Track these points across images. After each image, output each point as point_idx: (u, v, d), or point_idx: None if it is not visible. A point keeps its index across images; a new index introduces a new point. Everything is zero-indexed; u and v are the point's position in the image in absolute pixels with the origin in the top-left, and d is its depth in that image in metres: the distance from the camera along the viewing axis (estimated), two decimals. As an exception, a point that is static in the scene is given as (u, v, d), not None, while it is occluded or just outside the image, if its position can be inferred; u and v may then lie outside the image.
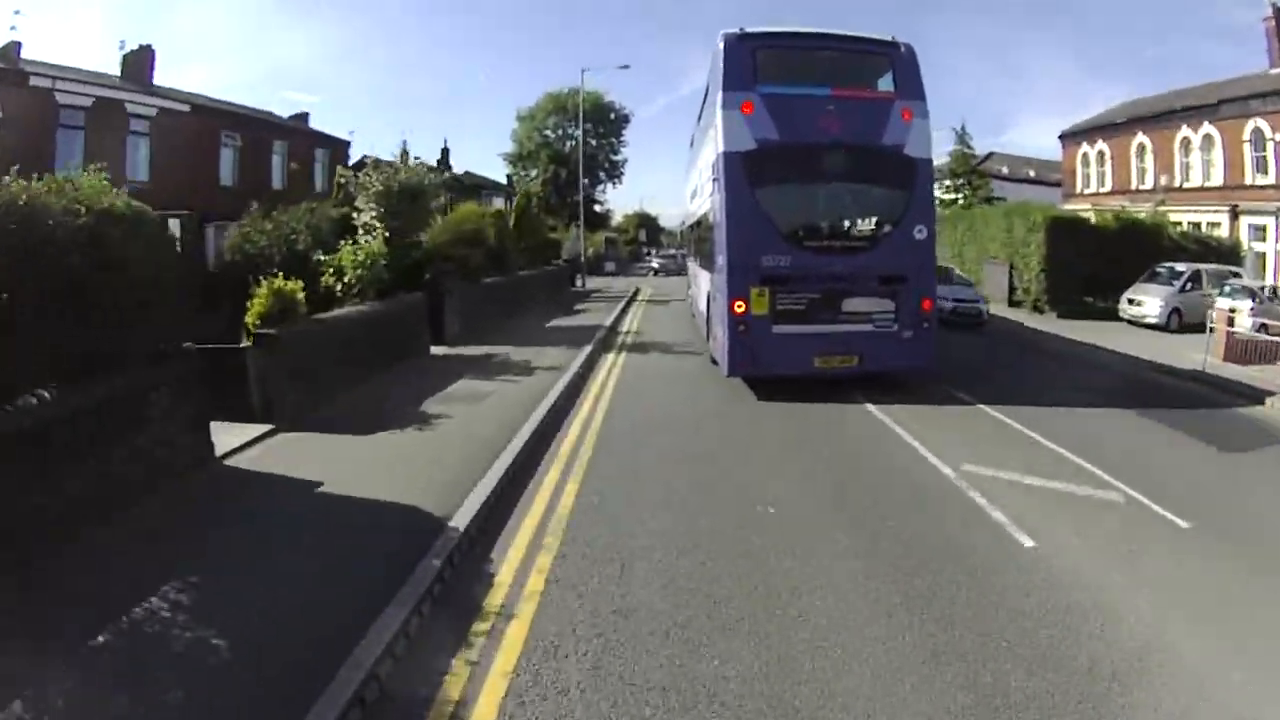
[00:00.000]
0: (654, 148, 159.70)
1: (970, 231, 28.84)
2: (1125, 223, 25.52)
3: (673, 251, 55.45)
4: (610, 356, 16.97)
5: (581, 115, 49.71)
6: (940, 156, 48.52)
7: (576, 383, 13.42)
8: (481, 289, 20.88)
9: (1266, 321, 15.88)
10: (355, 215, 17.17)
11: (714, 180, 12.65)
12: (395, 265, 16.22)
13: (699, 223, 18.40)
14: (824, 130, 11.80)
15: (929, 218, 12.58)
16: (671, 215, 73.39)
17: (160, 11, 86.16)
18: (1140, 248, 24.25)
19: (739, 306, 11.63)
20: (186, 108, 26.89)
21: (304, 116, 40.60)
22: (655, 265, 58.75)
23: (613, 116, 71.31)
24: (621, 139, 72.97)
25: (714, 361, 14.04)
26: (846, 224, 12.28)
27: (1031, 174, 54.59)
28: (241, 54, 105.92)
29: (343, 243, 14.95)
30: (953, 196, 46.21)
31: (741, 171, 11.78)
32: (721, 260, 12.25)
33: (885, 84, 12.55)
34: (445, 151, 67.78)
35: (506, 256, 24.94)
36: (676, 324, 23.36)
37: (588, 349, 16.86)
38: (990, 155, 58.69)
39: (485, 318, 20.07)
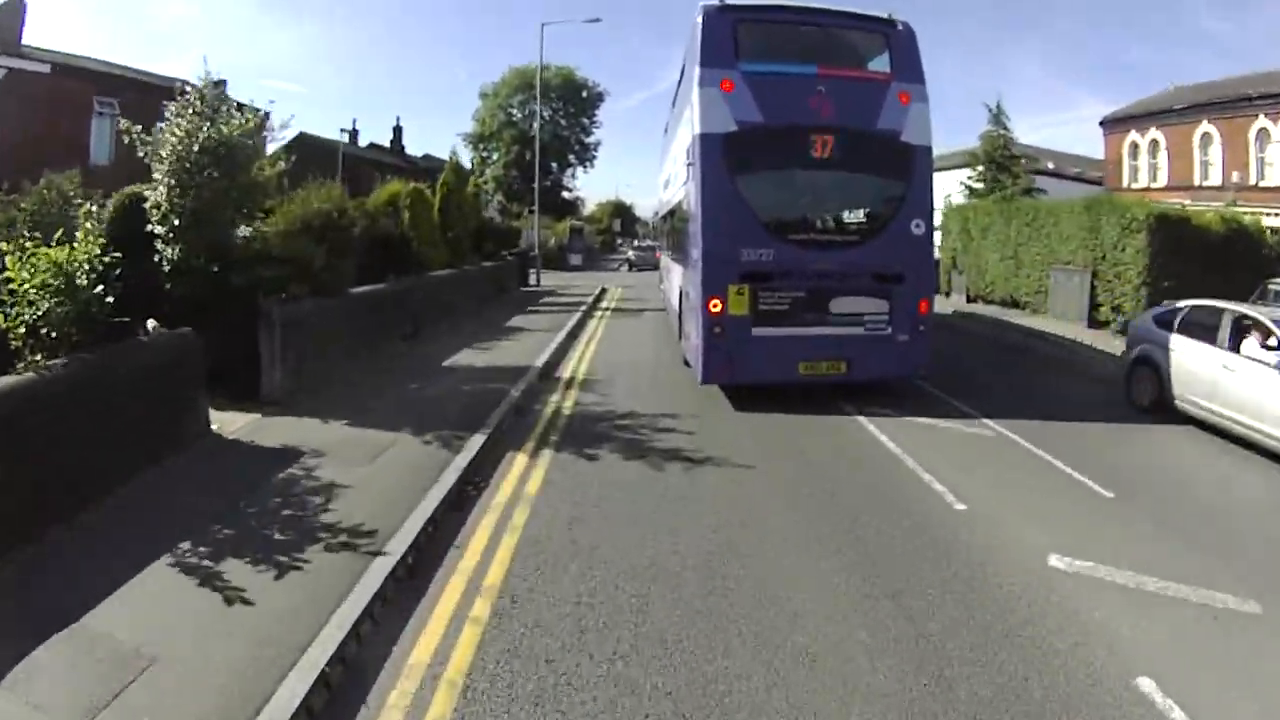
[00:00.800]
0: (631, 142, 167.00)
1: (1032, 228, 22.37)
2: (1231, 226, 19.23)
3: (650, 243, 48.82)
4: (519, 461, 8.82)
5: (540, 78, 42.36)
6: (968, 140, 45.23)
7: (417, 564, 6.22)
8: (343, 306, 13.28)
9: None
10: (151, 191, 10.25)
11: (689, 165, 11.61)
12: (188, 274, 9.97)
13: (672, 213, 17.19)
14: (812, 112, 10.72)
15: (927, 211, 11.33)
16: (649, 207, 67.32)
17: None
18: (1241, 257, 18.48)
19: (715, 305, 10.59)
20: (46, 68, 22.68)
21: (221, 84, 34.13)
22: (630, 257, 52.05)
23: (584, 94, 65.01)
24: (594, 119, 66.76)
25: (686, 364, 13.20)
26: (836, 216, 11.72)
27: (1050, 165, 48.88)
28: (230, 47, 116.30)
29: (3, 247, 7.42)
30: (981, 185, 39.66)
31: (720, 156, 10.69)
32: (696, 254, 11.12)
33: (880, 65, 11.45)
34: (398, 131, 62.06)
35: (409, 252, 18.11)
36: (654, 352, 16.73)
37: (479, 437, 9.13)
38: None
39: (346, 353, 13.18)
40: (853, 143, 10.87)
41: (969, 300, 26.42)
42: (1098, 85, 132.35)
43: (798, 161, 11.02)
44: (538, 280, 33.19)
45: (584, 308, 23.82)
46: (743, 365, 10.73)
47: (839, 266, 10.78)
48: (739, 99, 10.59)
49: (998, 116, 40.87)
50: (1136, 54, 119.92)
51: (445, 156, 66.99)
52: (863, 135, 10.93)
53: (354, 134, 57.29)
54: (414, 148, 61.29)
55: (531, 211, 59.82)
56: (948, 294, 27.58)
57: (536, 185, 38.42)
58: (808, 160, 10.90)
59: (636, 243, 60.22)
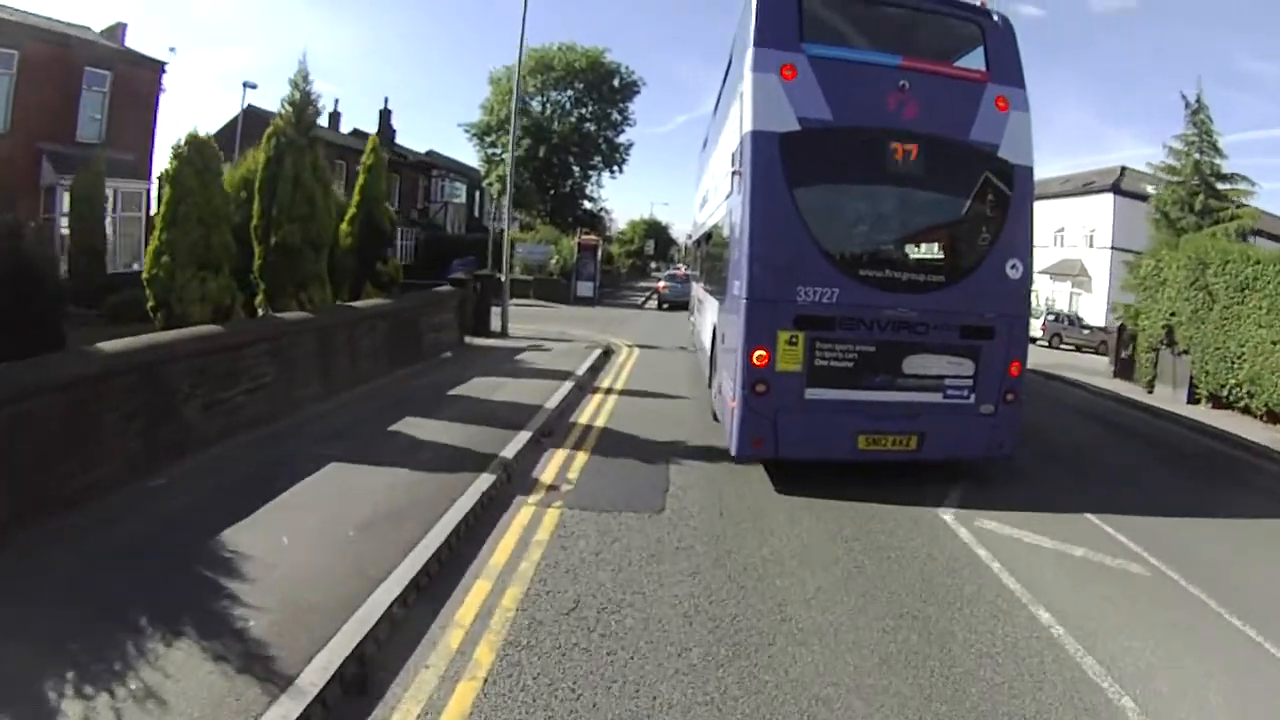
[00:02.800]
0: (669, 167, 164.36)
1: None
2: None
3: (689, 272, 35.10)
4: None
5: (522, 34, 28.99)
6: (1152, 153, 39.32)
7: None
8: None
9: None
10: None
11: (734, 174, 9.24)
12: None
13: (709, 236, 14.64)
14: (892, 114, 8.50)
15: (1026, 249, 8.97)
16: (686, 230, 56.29)
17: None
18: None
19: (759, 357, 8.26)
20: None
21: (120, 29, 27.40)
22: (660, 290, 39.75)
23: (616, 83, 52.94)
24: (627, 114, 54.67)
25: (715, 418, 10.98)
26: (918, 249, 9.26)
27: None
28: (271, 42, 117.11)
29: None
30: (1185, 214, 26.89)
31: (777, 162, 8.24)
32: (739, 287, 8.59)
33: (973, 61, 9.17)
34: (385, 115, 51.56)
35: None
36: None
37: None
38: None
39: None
40: (941, 155, 8.65)
41: (1194, 399, 17.67)
42: (1138, 127, 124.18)
43: (874, 175, 8.70)
44: (503, 325, 21.09)
45: (534, 423, 11.56)
46: (790, 436, 8.39)
47: (918, 314, 8.47)
48: (803, 90, 8.30)
49: (1199, 115, 27.02)
50: (1176, 96, 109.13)
51: (455, 156, 57.59)
52: (954, 147, 8.71)
53: (335, 117, 47.63)
54: (436, 145, 51.67)
55: (545, 221, 48.84)
56: (1150, 385, 19.61)
57: (510, 169, 24.78)
58: (886, 174, 8.65)
59: (671, 270, 47.29)
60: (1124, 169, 49.47)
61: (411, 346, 14.72)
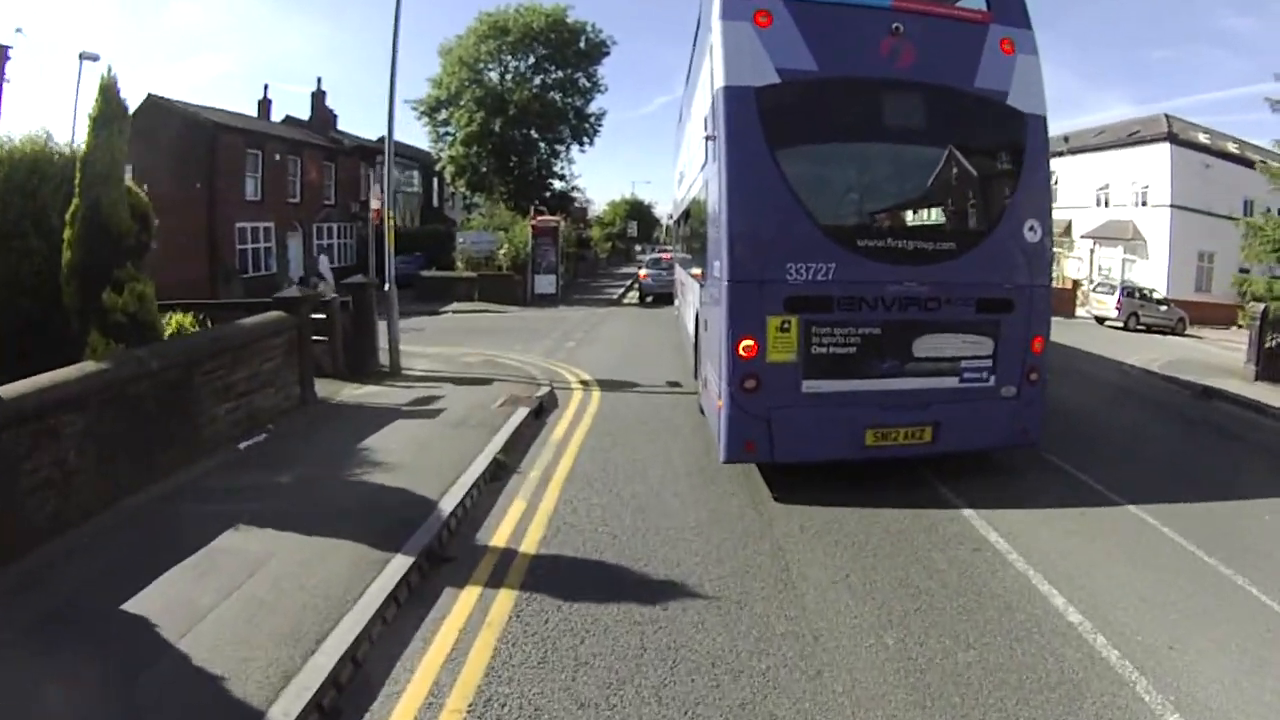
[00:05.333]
0: (650, 151, 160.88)
1: None
2: None
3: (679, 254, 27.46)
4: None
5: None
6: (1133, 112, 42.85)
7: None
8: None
9: None
10: None
11: (708, 140, 8.43)
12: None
13: (687, 213, 13.89)
14: (885, 61, 7.70)
15: (1045, 208, 8.27)
16: (668, 211, 49.00)
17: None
18: None
19: (746, 348, 7.41)
20: None
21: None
22: (641, 278, 32.15)
23: (583, 44, 45.38)
24: (597, 80, 46.99)
25: (702, 411, 9.93)
26: (923, 214, 8.70)
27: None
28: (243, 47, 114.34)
29: None
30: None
31: (754, 120, 7.45)
32: (720, 268, 7.69)
33: (973, 1, 8.21)
34: (318, 98, 44.57)
35: None
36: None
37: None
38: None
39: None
40: (943, 107, 7.99)
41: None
42: (1121, 87, 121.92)
43: (867, 132, 8.13)
44: (392, 359, 13.55)
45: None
46: (786, 436, 7.57)
47: (928, 288, 7.71)
48: (781, 38, 7.50)
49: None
50: (1160, 54, 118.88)
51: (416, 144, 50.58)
52: (957, 96, 7.96)
53: (265, 104, 41.23)
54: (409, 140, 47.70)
55: (508, 205, 41.36)
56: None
57: (390, 112, 14.86)
58: (881, 130, 8.10)
59: (654, 254, 39.49)
60: (1168, 116, 42.92)
61: (171, 437, 8.15)
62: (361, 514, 6.54)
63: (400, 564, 5.62)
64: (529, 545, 6.24)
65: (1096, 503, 7.71)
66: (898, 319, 7.65)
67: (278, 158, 35.53)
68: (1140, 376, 17.04)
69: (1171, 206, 39.33)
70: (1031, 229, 7.93)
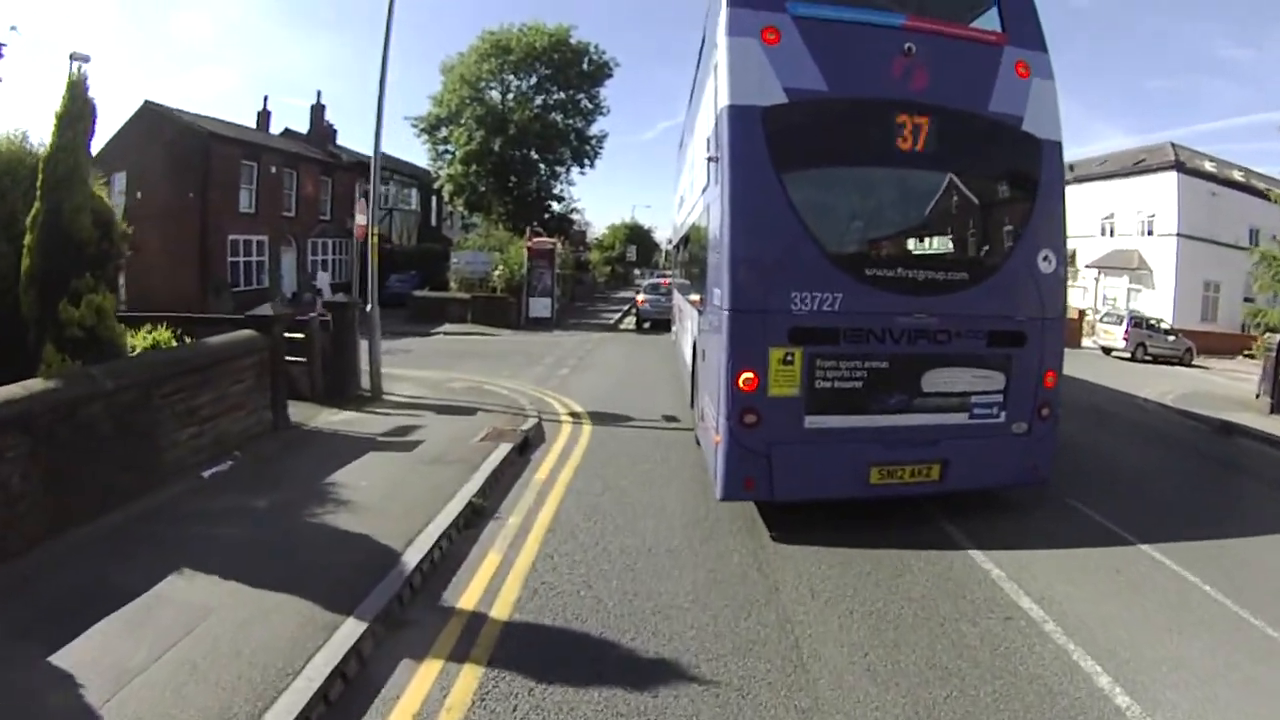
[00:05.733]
0: (651, 176, 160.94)
1: None
2: None
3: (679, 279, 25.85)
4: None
5: None
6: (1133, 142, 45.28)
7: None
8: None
9: None
10: None
11: (711, 161, 8.09)
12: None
13: (687, 238, 13.72)
14: (897, 82, 7.34)
15: (1058, 238, 7.87)
16: (669, 235, 48.14)
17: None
18: None
19: (747, 380, 7.05)
20: None
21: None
22: (640, 303, 30.97)
23: (586, 66, 44.72)
24: (599, 102, 46.24)
25: (698, 443, 9.63)
26: (935, 242, 8.22)
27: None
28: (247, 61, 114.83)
29: None
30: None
31: (760, 141, 7.08)
32: (720, 296, 7.34)
33: (987, 21, 8.04)
34: (317, 112, 44.09)
35: None
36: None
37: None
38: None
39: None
40: (957, 131, 7.58)
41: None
42: (1116, 116, 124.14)
43: (877, 156, 7.63)
44: (373, 383, 12.93)
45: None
46: (787, 474, 7.20)
47: (938, 320, 7.40)
48: (789, 57, 7.18)
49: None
50: (1159, 84, 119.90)
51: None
52: (971, 120, 7.62)
53: (265, 116, 40.74)
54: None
55: (506, 226, 40.63)
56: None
57: (378, 117, 12.72)
58: (892, 154, 7.49)
59: (653, 278, 38.52)
60: (1174, 145, 42.53)
61: (127, 463, 7.60)
62: (318, 563, 5.85)
63: (351, 630, 4.90)
64: (501, 609, 5.47)
65: (1132, 557, 7.09)
66: (906, 352, 7.36)
67: (273, 170, 34.91)
68: (1156, 411, 16.39)
69: (1178, 235, 38.89)
70: (1046, 259, 7.68)
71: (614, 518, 7.43)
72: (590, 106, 45.99)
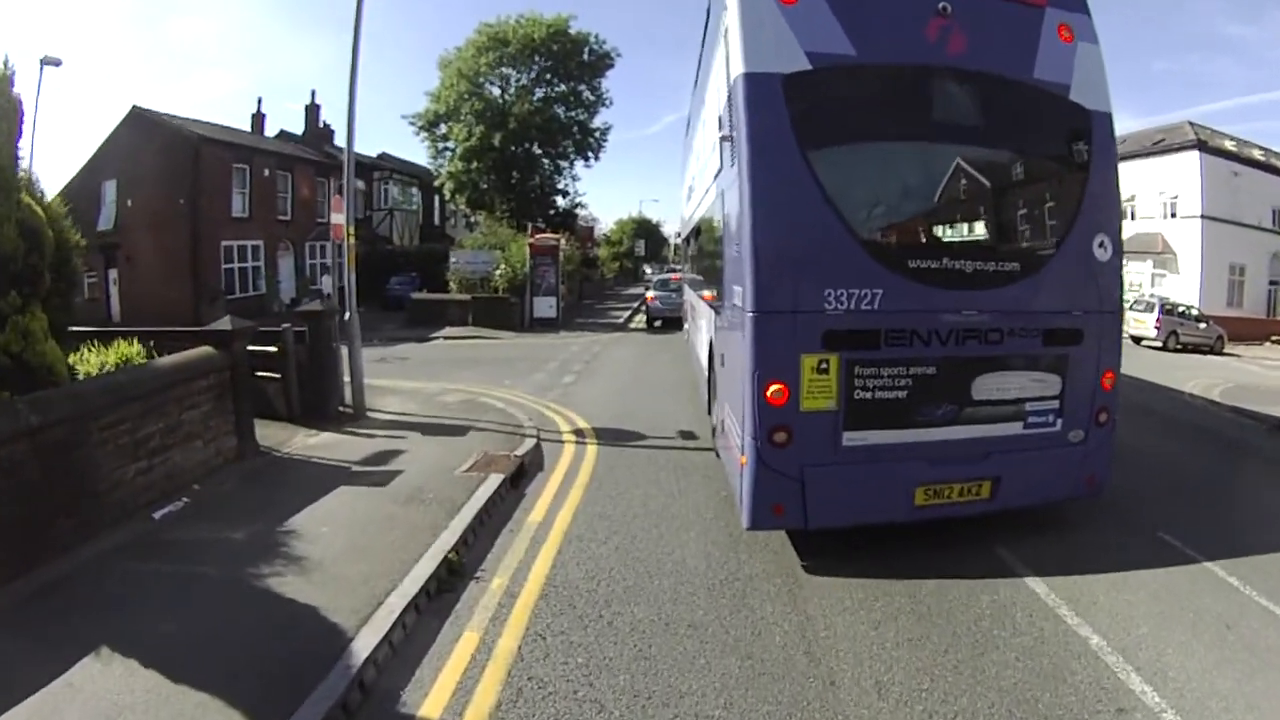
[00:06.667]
0: (657, 171, 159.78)
1: None
2: None
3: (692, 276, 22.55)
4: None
5: None
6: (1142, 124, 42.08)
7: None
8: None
9: None
10: None
11: (724, 141, 7.29)
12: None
13: (698, 229, 12.82)
14: (932, 47, 6.51)
15: (1114, 221, 7.09)
16: (677, 229, 46.83)
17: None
18: None
19: (776, 393, 6.16)
20: None
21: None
22: (650, 299, 29.39)
23: (586, 56, 43.69)
24: (601, 93, 45.18)
25: (718, 455, 8.80)
26: (982, 228, 7.20)
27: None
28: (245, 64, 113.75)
29: None
30: None
31: (782, 114, 6.21)
32: (742, 295, 6.48)
33: None
34: (311, 112, 43.26)
35: None
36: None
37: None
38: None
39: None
40: (1001, 101, 6.79)
41: None
42: (1124, 97, 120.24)
43: (915, 130, 6.74)
44: (355, 398, 11.82)
45: None
46: (823, 499, 6.36)
47: (990, 318, 6.58)
48: (810, 18, 6.35)
49: None
50: (1161, 65, 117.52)
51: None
52: (1015, 89, 6.78)
53: (259, 118, 39.86)
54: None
55: (515, 227, 38.98)
56: None
57: (350, 99, 12.12)
58: (931, 128, 6.77)
59: (662, 274, 37.31)
60: (1192, 124, 41.11)
61: (60, 509, 6.66)
62: (255, 649, 4.77)
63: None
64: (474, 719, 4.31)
65: (1237, 605, 5.94)
66: (955, 355, 6.54)
67: (267, 173, 33.90)
68: (1204, 408, 15.23)
69: (1202, 217, 37.52)
70: (1101, 245, 6.94)
71: (622, 577, 6.18)
72: (592, 98, 45.03)
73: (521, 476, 8.67)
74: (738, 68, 6.44)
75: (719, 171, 8.19)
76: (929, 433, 6.54)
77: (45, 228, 7.27)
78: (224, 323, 9.22)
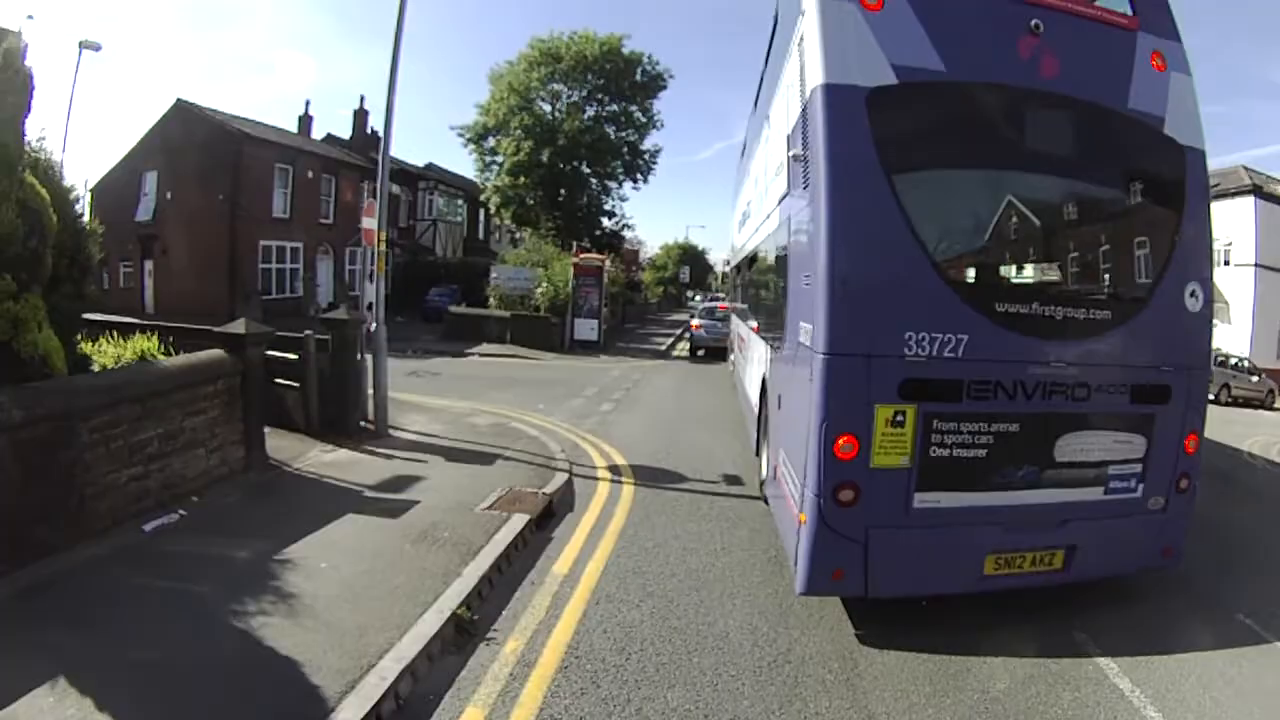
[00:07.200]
0: (706, 198, 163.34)
1: None
2: None
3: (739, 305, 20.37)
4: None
5: None
6: None
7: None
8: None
9: None
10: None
11: (795, 161, 6.70)
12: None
13: (753, 257, 12.08)
14: (1024, 67, 5.87)
15: (1206, 268, 6.44)
16: (724, 256, 45.91)
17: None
18: None
19: (845, 447, 5.49)
20: None
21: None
22: (695, 327, 28.15)
23: (639, 76, 42.95)
24: (653, 115, 44.32)
25: (765, 501, 8.26)
26: (1072, 271, 6.49)
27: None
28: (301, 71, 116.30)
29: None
30: None
31: (864, 133, 5.57)
32: (810, 334, 5.81)
33: (1116, 2, 6.48)
34: (359, 115, 43.22)
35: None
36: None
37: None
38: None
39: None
40: (1094, 131, 6.11)
41: None
42: None
43: (1006, 158, 6.16)
44: (377, 414, 10.97)
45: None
46: (887, 565, 5.71)
47: (1078, 371, 5.88)
48: (895, 27, 5.73)
49: None
50: (1211, 109, 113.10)
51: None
52: (1109, 119, 6.13)
53: (306, 121, 39.85)
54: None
55: (561, 247, 38.23)
56: None
57: (388, 99, 11.32)
58: (1023, 157, 6.15)
59: (708, 301, 36.25)
60: (1246, 168, 39.59)
61: (40, 513, 6.19)
62: (215, 707, 4.08)
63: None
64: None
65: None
66: (1039, 411, 5.90)
67: (310, 175, 33.68)
68: (1265, 469, 14.32)
69: (1256, 265, 35.84)
70: (1193, 294, 6.29)
71: (655, 651, 5.25)
72: (643, 119, 44.14)
73: (550, 517, 7.79)
74: (816, 78, 5.84)
75: (784, 195, 7.61)
76: (1006, 496, 5.91)
77: (48, 210, 6.76)
78: (238, 325, 8.50)
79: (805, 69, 6.16)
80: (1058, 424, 5.95)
